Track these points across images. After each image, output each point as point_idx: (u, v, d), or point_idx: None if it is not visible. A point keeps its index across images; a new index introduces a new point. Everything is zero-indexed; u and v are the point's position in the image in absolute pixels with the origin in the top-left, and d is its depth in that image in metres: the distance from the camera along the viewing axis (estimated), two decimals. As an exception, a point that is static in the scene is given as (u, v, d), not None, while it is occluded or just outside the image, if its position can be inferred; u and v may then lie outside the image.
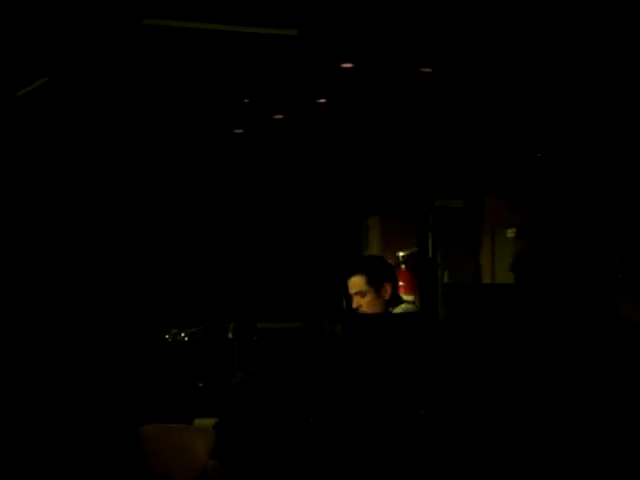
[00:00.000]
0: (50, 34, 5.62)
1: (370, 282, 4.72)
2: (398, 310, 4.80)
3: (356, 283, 4.75)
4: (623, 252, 7.39)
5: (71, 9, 5.30)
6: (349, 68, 6.36)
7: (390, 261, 6.79)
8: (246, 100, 7.13)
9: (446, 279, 8.49)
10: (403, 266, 8.45)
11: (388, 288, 4.76)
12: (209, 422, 4.11)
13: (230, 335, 4.95)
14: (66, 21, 5.44)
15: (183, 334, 5.24)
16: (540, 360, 3.02)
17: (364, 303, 4.72)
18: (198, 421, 4.31)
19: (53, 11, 5.32)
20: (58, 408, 4.14)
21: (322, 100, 7.19)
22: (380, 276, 4.78)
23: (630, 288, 6.97)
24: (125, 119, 7.43)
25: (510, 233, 7.88)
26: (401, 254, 8.51)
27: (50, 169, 7.70)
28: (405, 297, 7.01)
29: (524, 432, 3.00)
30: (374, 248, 9.17)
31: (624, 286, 7.11)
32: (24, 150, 7.34)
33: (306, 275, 9.00)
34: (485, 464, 3.02)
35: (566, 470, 2.97)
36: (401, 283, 7.79)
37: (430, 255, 8.54)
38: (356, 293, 4.75)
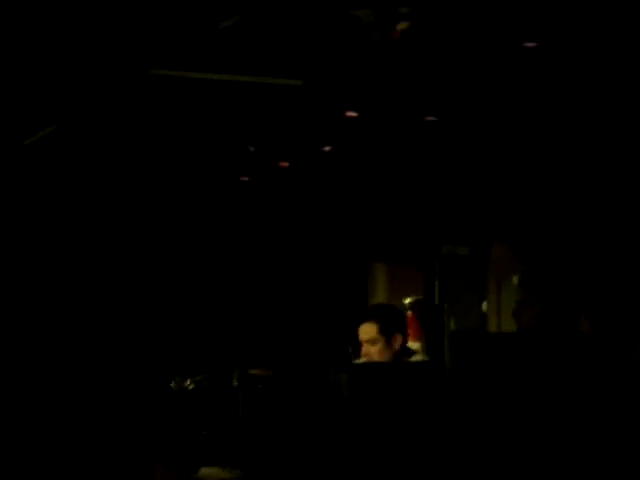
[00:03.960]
0: (58, 83, 5.66)
1: (381, 331, 4.69)
2: (412, 360, 4.77)
3: (367, 330, 4.72)
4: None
5: (80, 58, 5.34)
6: (354, 117, 6.40)
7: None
8: (252, 148, 7.17)
9: (452, 326, 8.46)
10: (409, 312, 8.44)
11: (399, 338, 4.73)
12: (215, 471, 4.10)
13: (235, 383, 4.94)
14: (74, 70, 5.49)
15: (188, 382, 5.22)
16: (545, 406, 3.02)
17: (374, 351, 4.69)
18: (204, 470, 4.29)
19: (62, 60, 5.36)
20: (65, 462, 4.14)
21: (327, 148, 7.23)
22: (392, 326, 4.75)
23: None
24: (133, 166, 7.47)
25: (516, 280, 7.86)
26: (407, 301, 8.50)
27: (52, 220, 7.72)
28: (411, 344, 6.99)
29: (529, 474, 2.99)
30: (380, 295, 9.15)
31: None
32: (30, 200, 7.37)
33: (312, 322, 8.98)
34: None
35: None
36: (408, 330, 7.76)
37: (436, 302, 8.53)
38: (366, 340, 4.73)
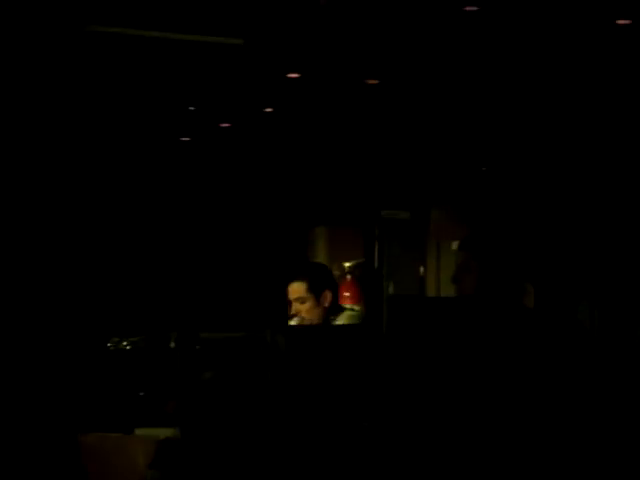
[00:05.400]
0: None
1: (310, 289, 4.68)
2: (342, 318, 4.78)
3: (296, 289, 4.71)
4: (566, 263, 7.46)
5: (15, 12, 5.25)
6: (296, 78, 6.37)
7: (336, 271, 6.77)
8: (192, 108, 7.11)
9: (391, 290, 8.50)
10: (349, 276, 8.46)
11: (328, 295, 4.72)
12: (149, 432, 4.08)
13: (172, 344, 4.92)
14: (10, 24, 5.39)
15: (125, 343, 5.20)
16: (482, 372, 3.04)
17: (303, 310, 4.68)
18: (139, 431, 4.27)
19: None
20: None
21: (269, 109, 7.19)
22: (321, 283, 4.74)
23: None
24: (69, 125, 7.37)
25: (455, 245, 7.92)
26: (347, 264, 8.52)
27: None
28: (350, 307, 6.99)
29: (466, 442, 3.01)
30: (320, 258, 9.17)
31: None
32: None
33: (251, 285, 8.98)
34: (428, 475, 3.03)
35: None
36: (347, 293, 7.77)
37: (376, 266, 8.56)
38: (295, 299, 4.72)
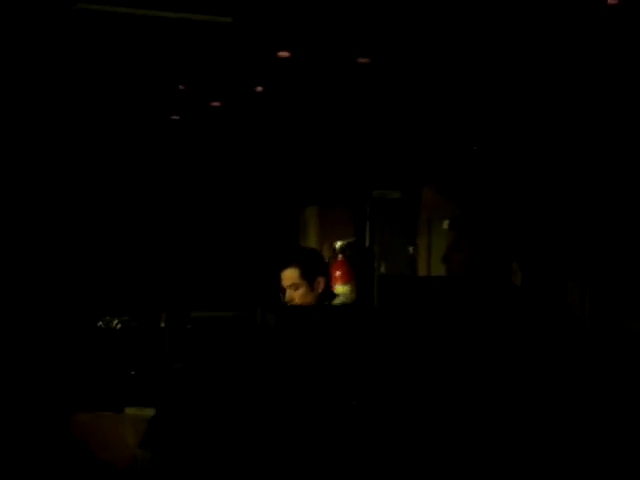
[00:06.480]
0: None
1: (303, 275, 4.67)
2: (336, 303, 4.78)
3: (289, 276, 4.70)
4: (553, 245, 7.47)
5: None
6: (286, 57, 6.35)
7: (327, 251, 6.77)
8: (181, 87, 7.08)
9: (383, 269, 8.50)
10: (340, 256, 8.43)
11: (321, 282, 4.72)
12: (140, 411, 4.09)
13: (163, 323, 4.92)
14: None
15: (116, 322, 5.20)
16: (472, 351, 3.04)
17: (297, 296, 4.68)
18: (129, 410, 4.28)
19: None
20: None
21: (259, 88, 7.17)
22: (314, 269, 4.74)
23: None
24: (57, 104, 7.35)
25: (446, 224, 7.92)
26: (338, 244, 8.51)
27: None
28: (341, 287, 6.98)
29: (455, 423, 3.02)
30: (311, 238, 9.17)
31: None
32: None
33: (242, 264, 8.98)
34: (416, 455, 3.04)
35: (490, 462, 3.00)
36: (338, 273, 7.77)
37: (367, 245, 8.56)
38: (289, 286, 4.71)
